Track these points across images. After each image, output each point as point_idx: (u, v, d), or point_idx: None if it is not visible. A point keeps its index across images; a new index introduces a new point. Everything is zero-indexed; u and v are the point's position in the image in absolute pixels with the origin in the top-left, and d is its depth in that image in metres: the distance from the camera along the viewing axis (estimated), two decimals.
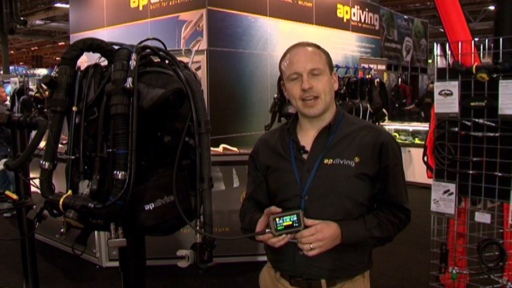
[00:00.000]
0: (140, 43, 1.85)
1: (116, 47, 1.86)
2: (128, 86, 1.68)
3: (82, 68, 1.88)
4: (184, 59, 2.11)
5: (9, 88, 9.86)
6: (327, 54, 1.72)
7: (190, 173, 1.88)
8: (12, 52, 27.93)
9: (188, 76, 1.83)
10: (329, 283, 1.67)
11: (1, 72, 18.38)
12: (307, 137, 1.72)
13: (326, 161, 1.65)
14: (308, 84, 1.62)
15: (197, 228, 1.84)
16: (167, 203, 1.78)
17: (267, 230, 1.53)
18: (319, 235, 1.51)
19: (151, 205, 1.76)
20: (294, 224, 1.50)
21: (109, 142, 1.74)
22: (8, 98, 8.81)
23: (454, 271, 2.93)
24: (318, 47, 1.71)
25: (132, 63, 1.73)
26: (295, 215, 1.50)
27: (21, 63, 32.89)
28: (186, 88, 1.80)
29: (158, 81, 1.76)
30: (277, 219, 1.50)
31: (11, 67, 20.15)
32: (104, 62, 1.92)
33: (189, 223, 1.77)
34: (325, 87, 1.65)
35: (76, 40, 1.86)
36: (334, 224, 1.56)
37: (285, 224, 1.50)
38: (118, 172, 1.66)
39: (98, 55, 1.92)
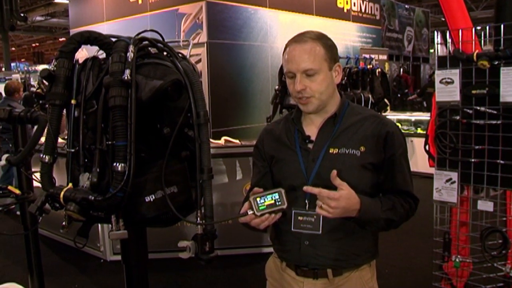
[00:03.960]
0: (138, 35, 1.85)
1: (114, 40, 1.85)
2: (126, 78, 1.68)
3: (80, 62, 1.87)
4: (184, 51, 2.10)
5: None
6: (327, 47, 1.64)
7: (190, 164, 1.88)
8: (13, 49, 27.98)
9: (186, 67, 1.83)
10: (335, 273, 1.66)
11: (3, 69, 18.42)
12: (312, 127, 1.71)
13: (331, 150, 1.64)
14: (301, 85, 1.59)
15: (198, 219, 1.84)
16: (168, 194, 1.78)
17: (249, 211, 1.48)
18: (334, 203, 1.47)
19: (152, 197, 1.77)
20: (277, 203, 1.46)
21: (109, 135, 1.74)
22: None
23: (457, 260, 2.93)
24: (318, 40, 1.63)
25: (130, 55, 1.73)
26: (277, 193, 1.46)
27: (22, 59, 32.90)
28: (185, 79, 1.79)
29: (156, 73, 1.75)
30: (258, 199, 1.46)
31: (12, 64, 20.18)
32: (102, 55, 1.91)
33: (178, 214, 1.76)
34: (319, 86, 1.61)
35: (74, 33, 1.85)
36: (356, 199, 1.52)
37: (267, 203, 1.46)
38: (117, 164, 1.66)
39: (98, 48, 1.91)
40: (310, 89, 1.61)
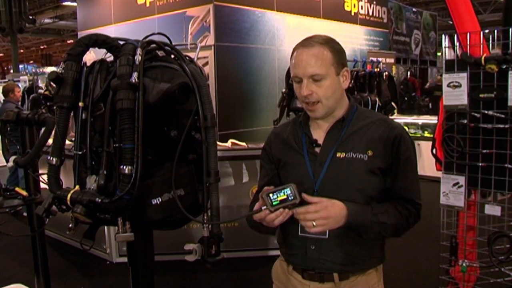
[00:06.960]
0: (145, 38, 1.85)
1: (121, 43, 1.86)
2: (133, 81, 1.69)
3: (88, 65, 1.88)
4: (191, 54, 2.11)
5: (20, 87, 9.92)
6: (335, 52, 1.63)
7: (197, 167, 1.88)
8: (21, 51, 28.15)
9: (194, 70, 1.83)
10: (341, 277, 1.66)
11: (12, 71, 18.55)
12: (319, 131, 1.71)
13: (339, 154, 1.64)
14: (307, 90, 1.60)
15: (205, 222, 1.84)
16: (174, 197, 1.79)
17: (263, 208, 1.50)
18: (324, 212, 1.49)
19: (159, 200, 1.77)
20: (289, 198, 1.48)
21: (116, 137, 1.75)
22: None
23: (464, 264, 2.91)
24: (325, 44, 1.62)
25: (138, 58, 1.74)
26: (288, 189, 1.48)
27: (30, 61, 33.10)
28: (192, 82, 1.80)
29: (163, 76, 1.76)
30: (270, 195, 1.49)
31: (20, 66, 20.29)
32: (110, 58, 1.92)
33: (186, 214, 1.76)
34: (326, 92, 1.61)
35: (82, 36, 1.86)
36: (341, 204, 1.53)
37: (280, 198, 1.48)
38: (124, 167, 1.66)
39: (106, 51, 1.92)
40: (316, 94, 1.61)
